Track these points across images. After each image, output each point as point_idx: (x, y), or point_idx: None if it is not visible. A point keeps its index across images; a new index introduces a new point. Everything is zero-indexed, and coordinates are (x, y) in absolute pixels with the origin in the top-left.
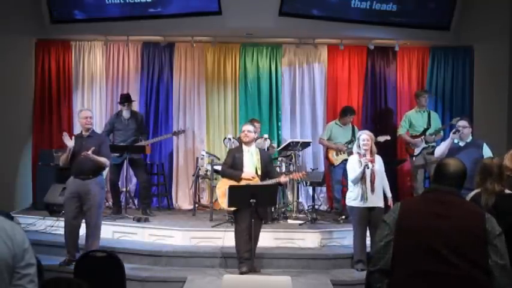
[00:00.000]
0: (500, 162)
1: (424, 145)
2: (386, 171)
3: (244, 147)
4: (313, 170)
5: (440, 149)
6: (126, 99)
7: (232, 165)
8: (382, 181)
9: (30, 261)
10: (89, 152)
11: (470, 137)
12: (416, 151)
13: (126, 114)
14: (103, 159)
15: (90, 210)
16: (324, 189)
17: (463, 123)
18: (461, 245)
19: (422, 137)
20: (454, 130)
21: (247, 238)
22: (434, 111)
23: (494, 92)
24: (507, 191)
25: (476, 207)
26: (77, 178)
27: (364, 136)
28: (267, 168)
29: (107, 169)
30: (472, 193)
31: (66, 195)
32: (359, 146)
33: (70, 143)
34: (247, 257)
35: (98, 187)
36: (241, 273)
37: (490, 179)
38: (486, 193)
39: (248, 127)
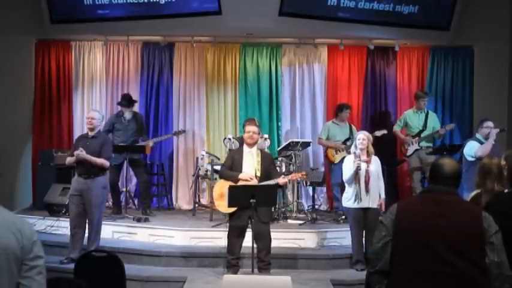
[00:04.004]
0: (499, 162)
1: (417, 146)
2: (386, 171)
3: (245, 147)
4: (313, 170)
5: (484, 150)
6: (128, 101)
7: (232, 166)
8: (379, 182)
9: (38, 254)
10: (79, 152)
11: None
12: (409, 151)
13: (128, 115)
14: (99, 160)
15: (91, 209)
16: (324, 189)
17: (491, 123)
18: (459, 244)
19: (417, 138)
20: (500, 129)
21: (236, 246)
22: (433, 111)
23: (494, 92)
24: (506, 191)
25: (473, 206)
26: (80, 177)
27: (361, 135)
28: (268, 169)
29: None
30: (473, 193)
31: (70, 193)
32: (356, 145)
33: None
34: (234, 264)
35: (99, 187)
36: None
37: (490, 179)
38: (486, 193)
39: (254, 128)
